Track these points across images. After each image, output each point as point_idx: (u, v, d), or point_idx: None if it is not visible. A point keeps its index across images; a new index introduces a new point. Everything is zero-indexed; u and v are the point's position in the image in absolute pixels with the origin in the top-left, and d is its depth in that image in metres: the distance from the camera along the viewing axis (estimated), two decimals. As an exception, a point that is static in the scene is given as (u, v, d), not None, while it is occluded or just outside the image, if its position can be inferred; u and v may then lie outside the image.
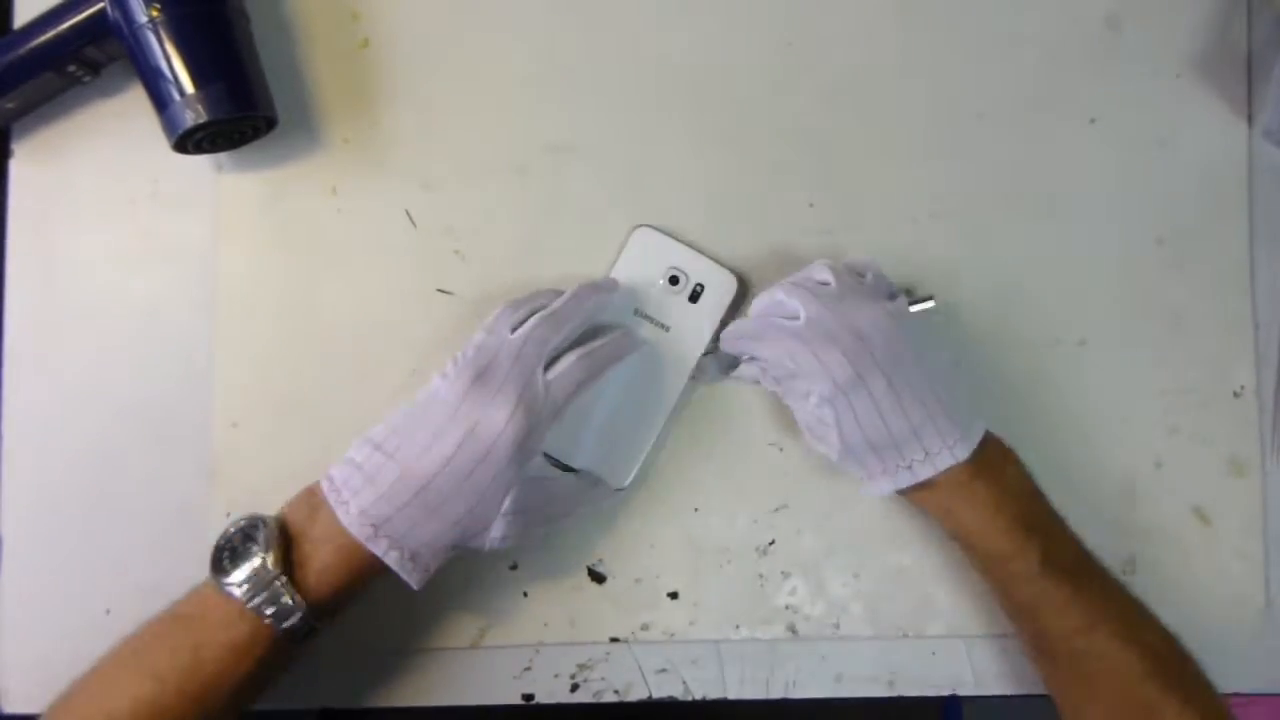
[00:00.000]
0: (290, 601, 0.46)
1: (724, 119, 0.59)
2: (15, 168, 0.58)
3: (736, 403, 0.57)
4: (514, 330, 0.49)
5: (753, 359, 0.53)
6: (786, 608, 0.56)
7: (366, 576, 0.48)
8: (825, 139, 0.58)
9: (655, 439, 0.55)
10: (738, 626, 0.56)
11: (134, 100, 0.57)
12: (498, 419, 0.47)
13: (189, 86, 0.51)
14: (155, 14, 0.51)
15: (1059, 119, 0.59)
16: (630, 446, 0.55)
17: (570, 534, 0.56)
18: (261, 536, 0.46)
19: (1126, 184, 0.59)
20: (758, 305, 0.53)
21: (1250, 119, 0.59)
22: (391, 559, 0.46)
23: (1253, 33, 0.59)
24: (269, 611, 0.45)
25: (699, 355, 0.56)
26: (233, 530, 0.48)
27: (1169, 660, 0.48)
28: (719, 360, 0.56)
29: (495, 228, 0.58)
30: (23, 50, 0.53)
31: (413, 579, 0.47)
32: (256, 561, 0.46)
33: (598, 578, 0.56)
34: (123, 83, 0.57)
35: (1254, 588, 0.57)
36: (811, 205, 0.58)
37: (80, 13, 0.52)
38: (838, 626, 0.56)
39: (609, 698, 0.56)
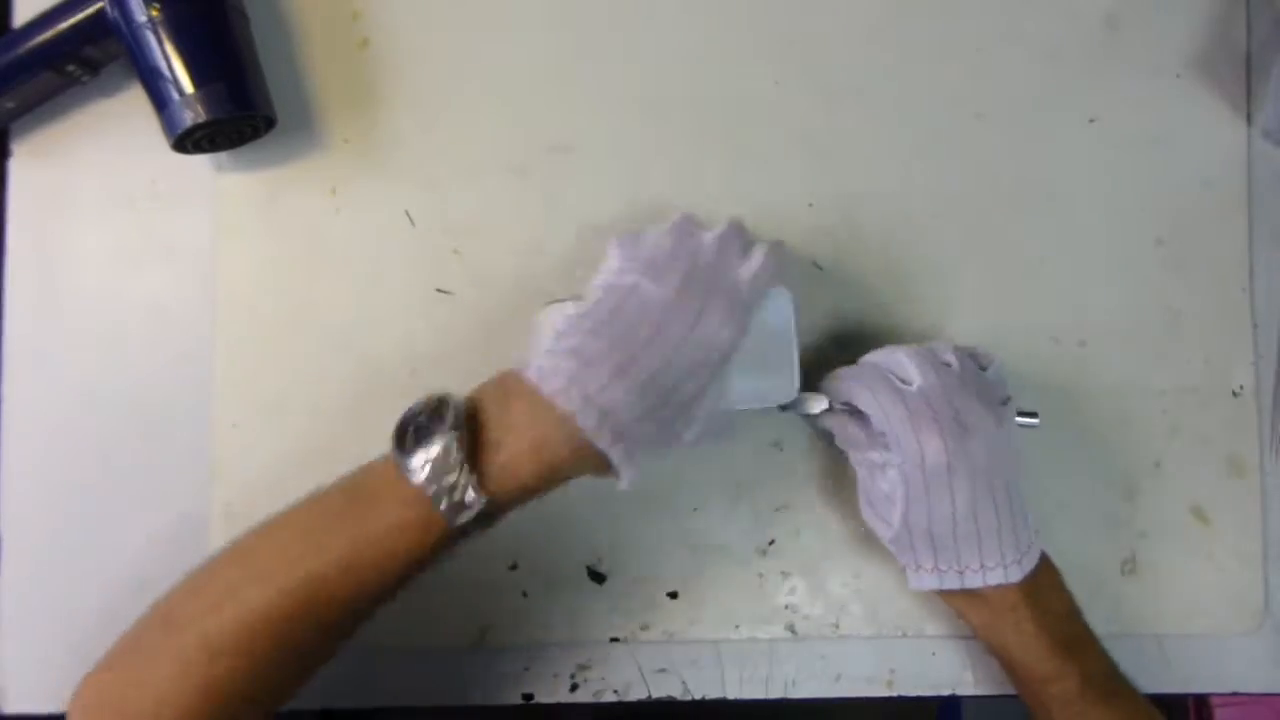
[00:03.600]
0: (470, 495, 0.42)
1: (724, 119, 0.58)
2: (15, 168, 0.58)
3: (736, 403, 0.57)
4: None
5: (844, 407, 0.51)
6: (786, 607, 0.56)
7: (551, 476, 0.44)
8: (825, 139, 0.58)
9: (796, 349, 0.51)
10: (737, 626, 0.56)
11: (134, 100, 0.57)
12: (714, 319, 0.45)
13: (188, 86, 0.51)
14: (154, 13, 0.51)
15: (1059, 119, 0.59)
16: (778, 363, 0.51)
17: (570, 534, 0.56)
18: (450, 415, 0.42)
19: (1126, 184, 0.59)
20: (873, 355, 0.51)
21: (1250, 118, 0.59)
22: (616, 453, 0.43)
23: (1252, 33, 0.59)
24: (445, 502, 0.42)
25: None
26: (420, 405, 0.44)
27: None
28: (803, 400, 0.52)
29: (495, 228, 0.58)
30: (22, 50, 0.53)
31: (628, 475, 0.44)
32: (441, 443, 0.42)
33: (598, 578, 0.56)
34: (122, 83, 0.57)
35: (1254, 588, 0.57)
36: (811, 205, 0.58)
37: (79, 12, 0.52)
38: (837, 626, 0.56)
39: (609, 697, 0.56)
